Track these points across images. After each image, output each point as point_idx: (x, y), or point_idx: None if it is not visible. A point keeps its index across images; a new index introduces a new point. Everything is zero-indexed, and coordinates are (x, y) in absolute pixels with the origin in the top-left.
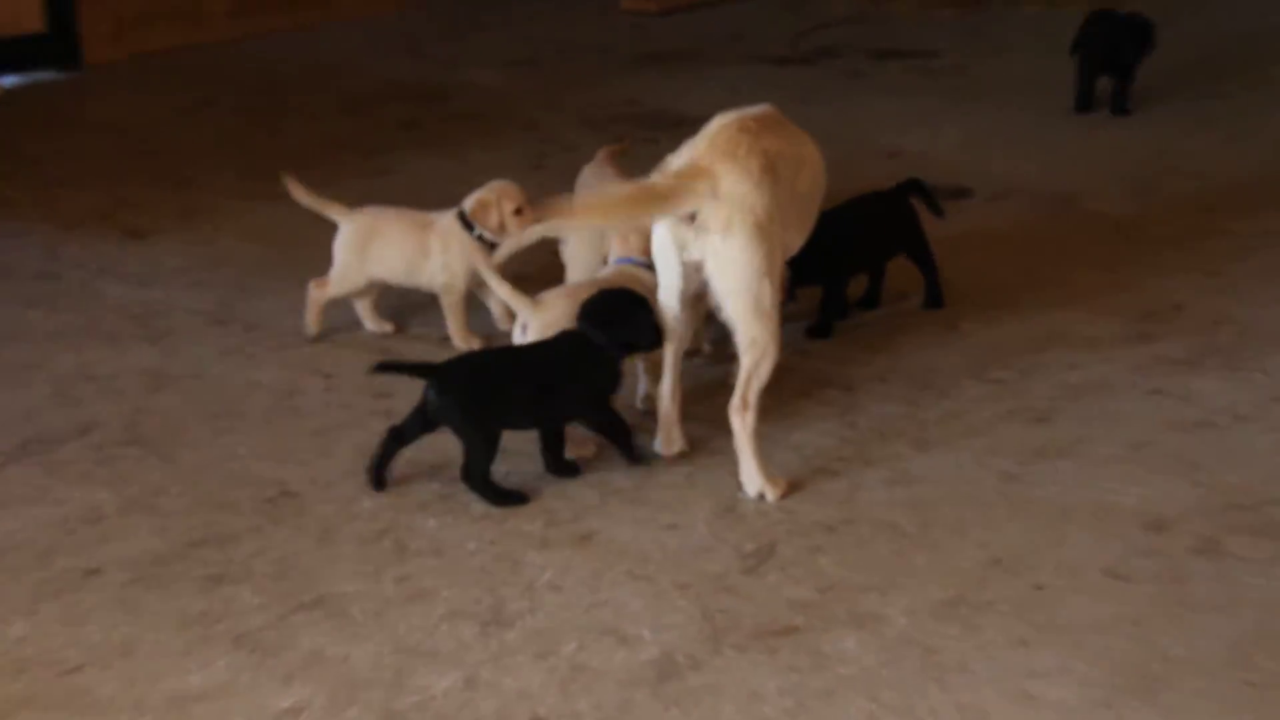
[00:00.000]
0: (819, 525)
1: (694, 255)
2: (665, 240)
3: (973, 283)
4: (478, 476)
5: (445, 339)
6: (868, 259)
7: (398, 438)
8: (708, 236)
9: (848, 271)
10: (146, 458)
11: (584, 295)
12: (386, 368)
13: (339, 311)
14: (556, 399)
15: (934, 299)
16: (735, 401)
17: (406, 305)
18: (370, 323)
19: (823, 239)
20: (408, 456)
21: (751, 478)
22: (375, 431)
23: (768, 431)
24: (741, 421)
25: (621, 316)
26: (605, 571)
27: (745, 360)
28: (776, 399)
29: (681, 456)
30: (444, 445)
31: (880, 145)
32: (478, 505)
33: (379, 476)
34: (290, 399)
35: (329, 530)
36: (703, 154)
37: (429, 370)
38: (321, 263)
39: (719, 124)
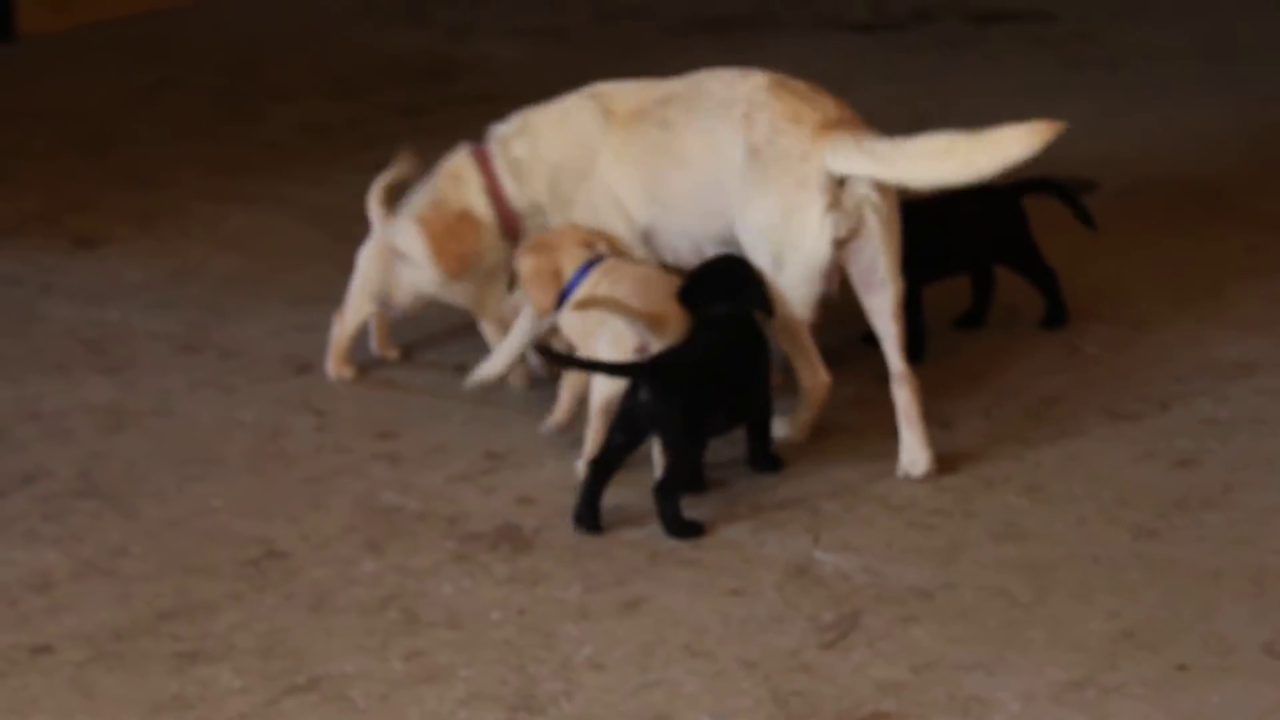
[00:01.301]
0: (912, 591)
1: (845, 226)
2: (822, 219)
3: (1098, 295)
4: (676, 493)
5: (461, 367)
6: (947, 267)
7: (607, 466)
8: (870, 196)
9: (917, 281)
10: (103, 512)
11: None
12: (562, 359)
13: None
14: (753, 387)
15: (1056, 315)
16: (899, 369)
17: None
18: (377, 343)
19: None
20: (415, 510)
21: (917, 453)
22: (377, 480)
23: (847, 478)
24: (910, 389)
25: (746, 279)
26: (656, 646)
27: (897, 323)
28: (856, 438)
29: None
30: (459, 495)
31: (983, 127)
32: (501, 567)
33: (594, 517)
34: (275, 441)
35: (324, 597)
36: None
37: (640, 369)
38: (310, 274)
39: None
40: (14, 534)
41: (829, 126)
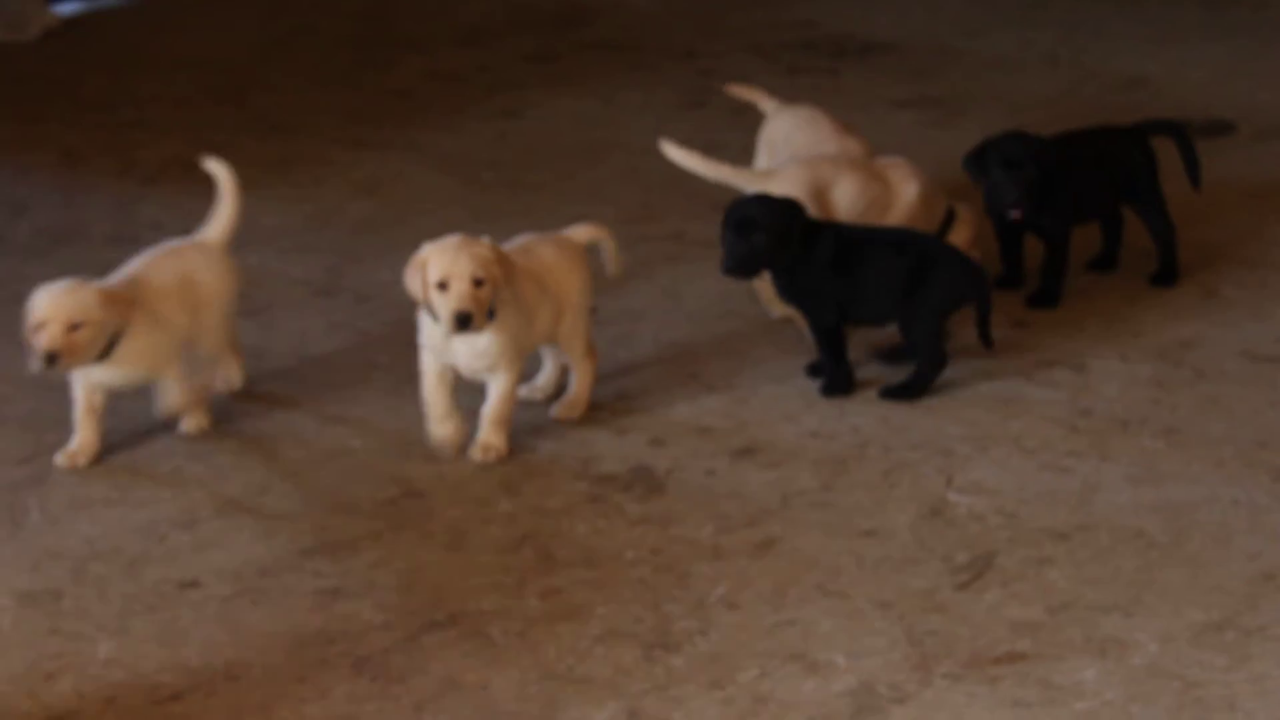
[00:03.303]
0: (1047, 532)
1: None
2: None
3: (1235, 239)
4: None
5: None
6: (1091, 209)
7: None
8: None
9: (1064, 223)
10: (246, 452)
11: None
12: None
13: None
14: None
15: (1166, 272)
16: None
17: None
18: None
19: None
20: (549, 451)
21: None
22: (517, 422)
23: (980, 420)
24: None
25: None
26: (789, 586)
27: None
28: (990, 382)
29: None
30: (592, 438)
31: (1117, 72)
32: (635, 508)
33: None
34: (413, 383)
35: (461, 536)
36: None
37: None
38: (442, 220)
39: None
40: (161, 473)
41: None
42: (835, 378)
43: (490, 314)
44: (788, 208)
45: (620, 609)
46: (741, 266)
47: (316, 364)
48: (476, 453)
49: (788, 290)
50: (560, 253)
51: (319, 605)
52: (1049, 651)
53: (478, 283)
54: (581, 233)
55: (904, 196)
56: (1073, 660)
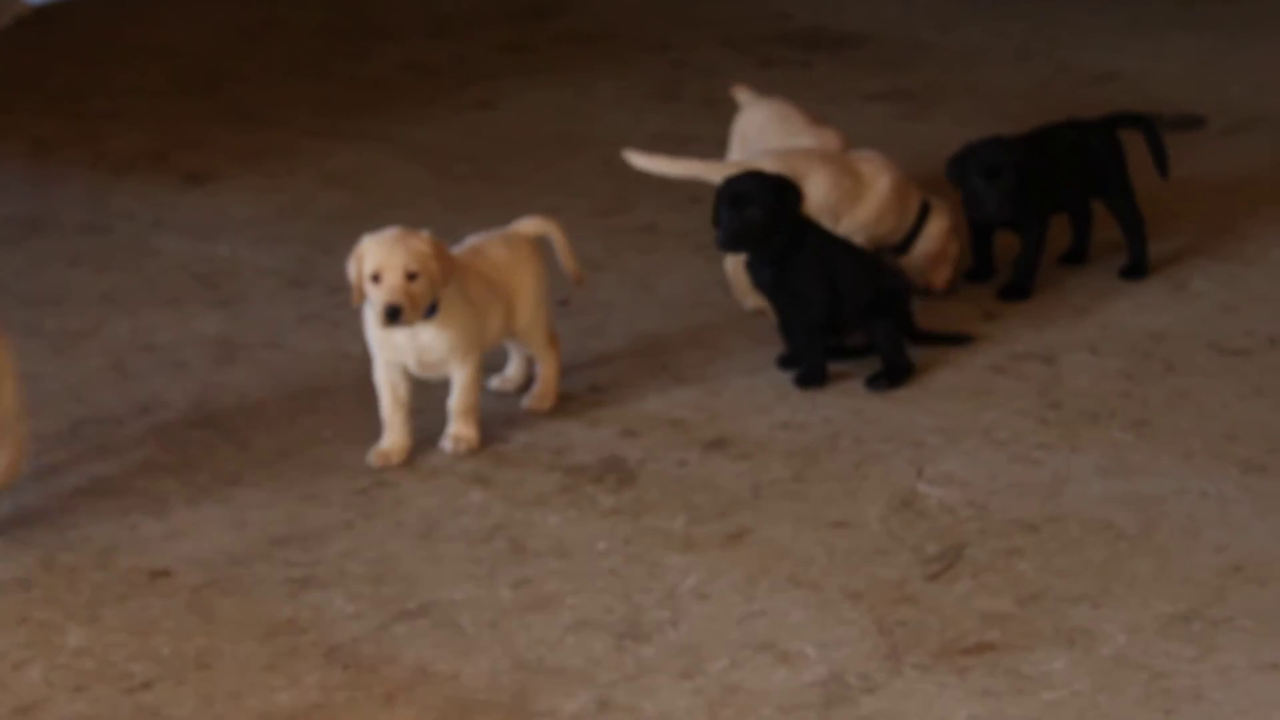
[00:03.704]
0: (1017, 524)
1: None
2: None
3: (1206, 232)
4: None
5: (564, 302)
6: (1062, 202)
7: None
8: None
9: (1041, 215)
10: (217, 441)
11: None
12: None
13: None
14: None
15: (1136, 265)
16: None
17: None
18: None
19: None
20: (521, 442)
21: None
22: (482, 412)
23: (950, 412)
24: None
25: None
26: (761, 577)
27: None
28: (961, 374)
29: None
30: (564, 429)
31: (1089, 66)
32: (606, 498)
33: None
34: None
35: (433, 526)
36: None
37: None
38: (415, 211)
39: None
40: (132, 461)
41: None
42: (812, 370)
43: (433, 309)
44: (783, 185)
45: (591, 599)
46: (737, 241)
47: (289, 354)
48: (448, 443)
49: (775, 284)
50: (509, 249)
51: (290, 594)
52: (1018, 642)
53: (410, 276)
54: (529, 226)
55: (876, 189)
56: (1042, 651)
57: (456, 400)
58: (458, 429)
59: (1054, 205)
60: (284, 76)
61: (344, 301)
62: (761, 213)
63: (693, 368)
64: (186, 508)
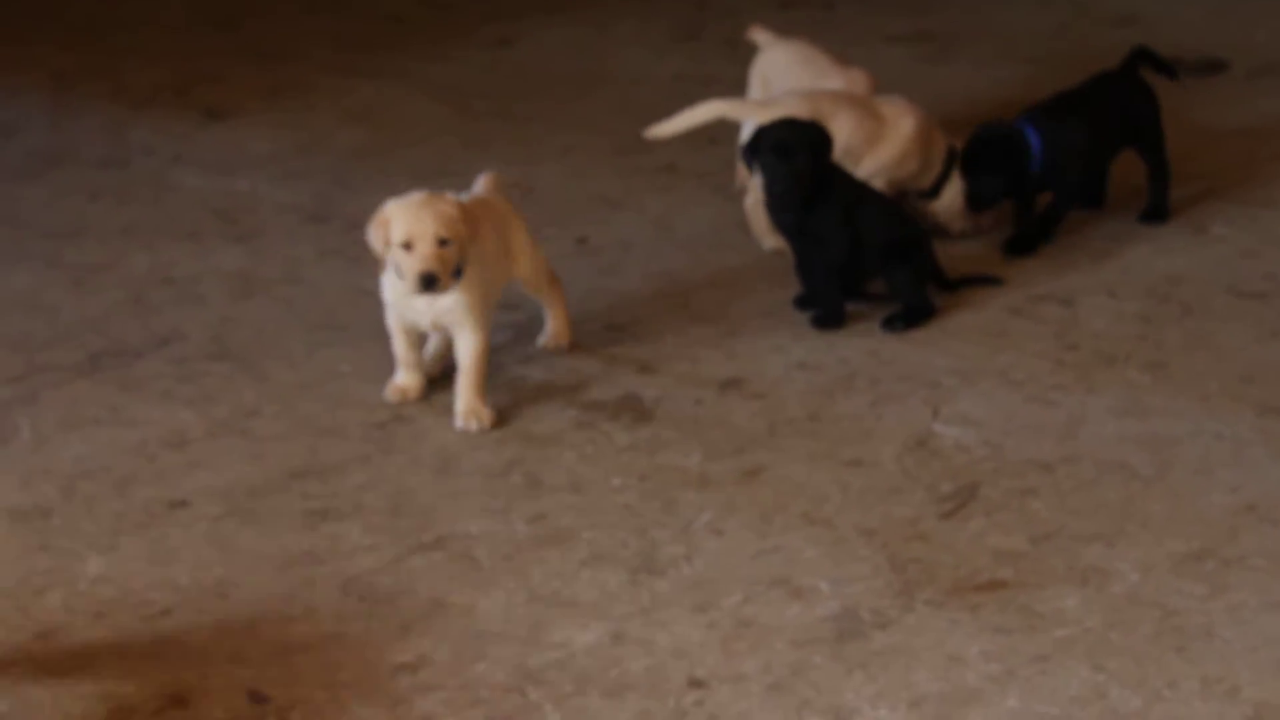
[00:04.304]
0: (1032, 464)
1: None
2: None
3: (1227, 176)
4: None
5: (582, 240)
6: (1102, 158)
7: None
8: None
9: (1080, 176)
10: (236, 374)
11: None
12: None
13: None
14: None
15: (1158, 209)
16: None
17: None
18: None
19: (1053, 138)
20: (538, 379)
21: None
22: (500, 349)
23: (967, 353)
24: None
25: None
26: (775, 514)
27: None
28: (978, 316)
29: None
30: (581, 366)
31: (1108, 9)
32: (623, 435)
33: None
34: None
35: (450, 461)
36: None
37: None
38: (433, 148)
39: None
40: (151, 394)
41: None
42: (829, 311)
43: (457, 272)
44: (820, 130)
45: (606, 534)
46: (790, 191)
47: (307, 289)
48: (459, 420)
49: (798, 227)
50: (498, 201)
51: (307, 526)
52: (1031, 580)
53: (442, 242)
54: (488, 183)
55: (899, 131)
56: (1054, 589)
57: (466, 375)
58: (469, 405)
59: (1095, 164)
60: (303, 11)
61: (362, 238)
62: (808, 160)
63: (710, 307)
64: (205, 440)
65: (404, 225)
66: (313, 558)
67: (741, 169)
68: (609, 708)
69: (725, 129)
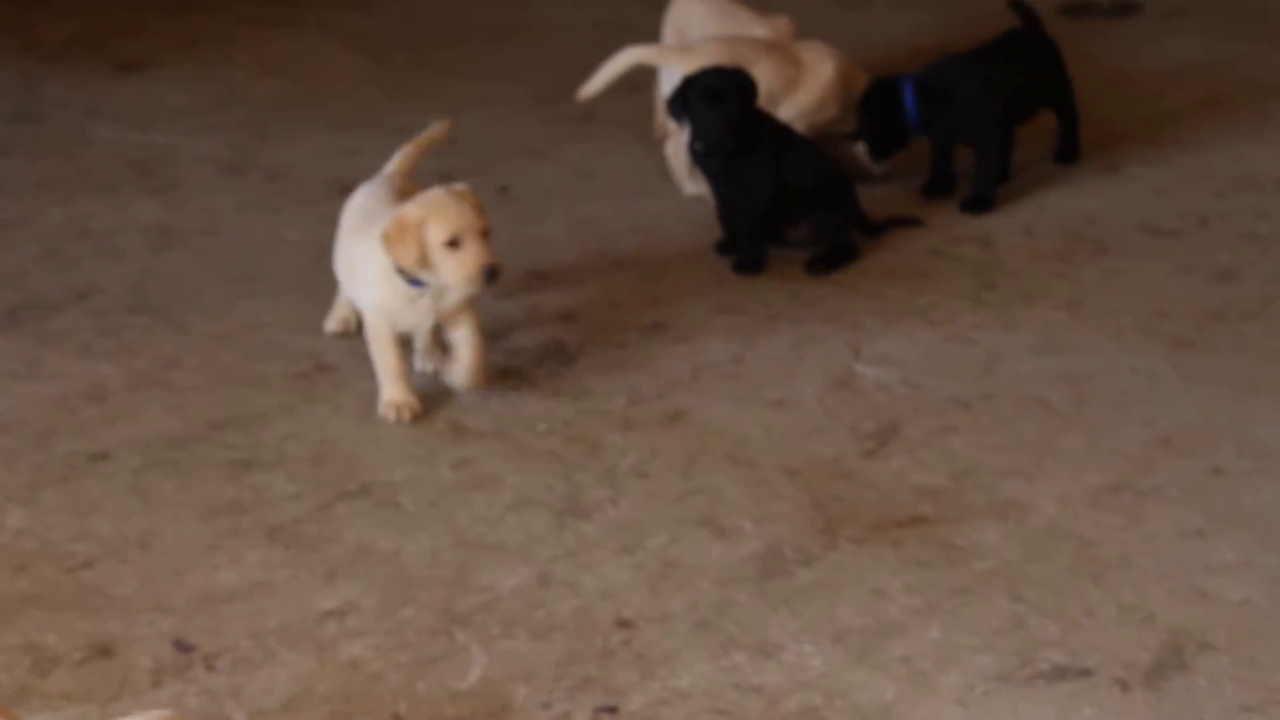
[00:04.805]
0: (951, 401)
1: None
2: None
3: (1138, 117)
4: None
5: (504, 188)
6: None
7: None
8: None
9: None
10: (155, 327)
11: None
12: None
13: (377, 157)
14: None
15: (1069, 150)
16: None
17: None
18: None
19: (979, 89)
20: None
21: None
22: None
23: (887, 294)
24: None
25: None
26: (699, 455)
27: None
28: (898, 257)
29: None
30: (504, 313)
31: None
32: (547, 382)
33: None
34: (323, 259)
35: (373, 409)
36: None
37: None
38: (353, 99)
39: None
40: (70, 347)
41: None
42: (751, 256)
43: None
44: (747, 76)
45: (532, 478)
46: (722, 139)
47: (226, 241)
48: (474, 381)
49: (724, 172)
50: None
51: (231, 476)
52: (951, 515)
53: (485, 233)
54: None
55: (818, 76)
56: (974, 523)
57: (478, 347)
58: (477, 380)
59: (1014, 117)
60: None
61: (283, 189)
62: (739, 105)
63: (632, 253)
64: (125, 392)
65: (447, 223)
66: (237, 507)
67: (661, 116)
68: (537, 649)
69: (645, 75)
